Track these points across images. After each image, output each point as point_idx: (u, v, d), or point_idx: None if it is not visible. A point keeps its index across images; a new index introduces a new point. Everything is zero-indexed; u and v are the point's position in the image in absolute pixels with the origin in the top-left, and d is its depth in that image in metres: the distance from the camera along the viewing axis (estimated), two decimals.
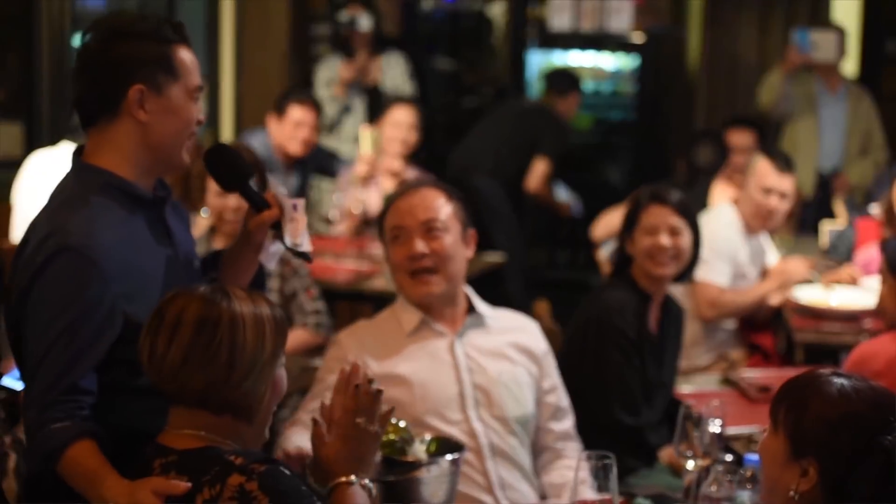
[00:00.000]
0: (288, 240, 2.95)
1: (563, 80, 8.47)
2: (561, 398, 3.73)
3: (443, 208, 3.58)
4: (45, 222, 2.85)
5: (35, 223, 2.91)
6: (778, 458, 2.55)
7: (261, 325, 2.62)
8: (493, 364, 3.58)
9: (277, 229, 2.98)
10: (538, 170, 8.02)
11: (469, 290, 3.69)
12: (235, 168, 3.03)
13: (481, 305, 3.69)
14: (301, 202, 3.02)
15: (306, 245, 2.97)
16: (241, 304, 2.62)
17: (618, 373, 4.17)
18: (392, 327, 3.60)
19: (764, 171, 5.66)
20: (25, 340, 2.85)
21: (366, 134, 6.81)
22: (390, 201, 3.66)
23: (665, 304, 4.39)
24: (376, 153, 6.77)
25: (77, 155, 2.97)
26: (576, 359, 4.20)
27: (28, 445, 2.84)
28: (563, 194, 8.39)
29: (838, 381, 2.53)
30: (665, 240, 4.25)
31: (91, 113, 2.90)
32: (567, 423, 3.75)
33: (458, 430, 3.46)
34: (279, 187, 3.07)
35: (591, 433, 3.83)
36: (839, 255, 6.13)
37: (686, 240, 4.31)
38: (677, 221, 4.30)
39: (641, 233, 4.29)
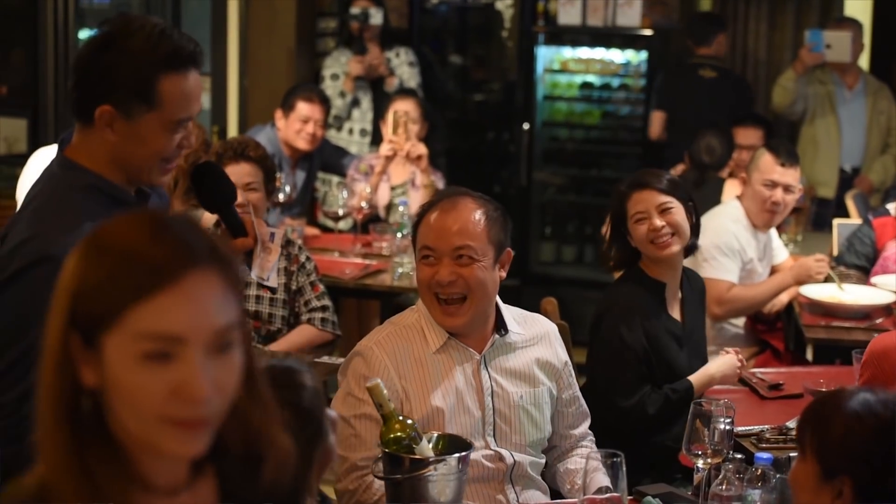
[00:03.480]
0: (255, 272, 3.02)
1: (702, 26, 8.42)
2: (579, 406, 3.74)
3: (479, 233, 3.42)
4: (26, 223, 2.79)
5: (16, 220, 2.85)
6: (809, 483, 2.50)
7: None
8: (515, 388, 3.54)
9: (248, 256, 3.01)
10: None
11: (499, 302, 3.59)
12: (220, 191, 3.02)
13: (510, 319, 3.60)
14: (280, 233, 3.11)
15: (273, 280, 3.07)
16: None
17: (609, 378, 4.19)
18: (418, 342, 3.48)
19: (767, 164, 5.62)
20: None
21: (393, 115, 6.81)
22: (425, 211, 3.51)
23: (683, 286, 4.40)
24: (401, 136, 6.77)
25: (64, 144, 2.93)
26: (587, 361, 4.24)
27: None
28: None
29: (862, 395, 2.48)
30: (658, 220, 4.24)
31: (71, 109, 2.86)
32: (585, 426, 3.77)
33: (480, 455, 3.43)
34: (258, 221, 3.08)
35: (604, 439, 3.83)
36: (855, 254, 6.07)
37: (679, 214, 4.30)
38: (664, 199, 4.29)
39: (633, 223, 4.28)
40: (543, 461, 3.63)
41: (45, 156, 5.88)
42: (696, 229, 4.37)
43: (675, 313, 4.34)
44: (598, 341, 4.26)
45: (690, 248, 4.40)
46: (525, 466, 3.54)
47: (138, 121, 2.76)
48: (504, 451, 3.49)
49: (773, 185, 5.60)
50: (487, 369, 3.51)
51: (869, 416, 2.45)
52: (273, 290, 3.07)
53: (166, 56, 2.74)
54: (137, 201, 2.94)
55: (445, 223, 3.43)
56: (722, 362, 4.26)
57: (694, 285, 4.47)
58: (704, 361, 4.40)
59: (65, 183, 2.85)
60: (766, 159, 5.64)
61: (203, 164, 3.07)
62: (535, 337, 3.63)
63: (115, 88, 2.74)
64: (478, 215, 3.44)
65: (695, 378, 4.19)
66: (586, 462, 3.32)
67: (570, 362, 3.72)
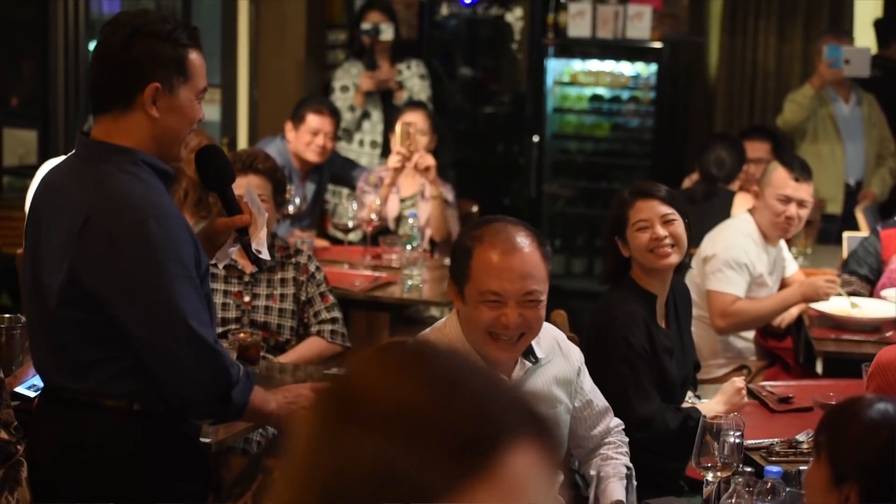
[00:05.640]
0: (254, 245, 3.26)
1: (883, 29, 8.50)
2: (594, 407, 3.70)
3: (543, 274, 3.38)
4: (109, 197, 3.03)
5: (86, 200, 3.06)
6: (820, 485, 2.51)
7: None
8: None
9: (241, 234, 3.27)
10: None
11: None
12: (221, 171, 3.30)
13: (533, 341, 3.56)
14: (265, 216, 3.36)
15: (265, 254, 3.30)
16: None
17: (623, 385, 4.09)
18: None
19: (781, 179, 5.59)
20: (129, 301, 3.02)
21: (401, 126, 6.81)
22: (471, 245, 3.38)
23: (668, 297, 4.37)
24: (409, 148, 6.77)
25: (85, 137, 3.16)
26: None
27: (219, 397, 3.10)
28: None
29: (882, 405, 2.48)
30: (660, 230, 4.21)
31: (106, 101, 3.11)
32: (606, 422, 3.73)
33: None
34: (254, 196, 3.35)
35: None
36: (857, 262, 6.05)
37: (680, 226, 4.26)
38: (667, 209, 4.25)
39: (634, 231, 4.23)
40: (561, 478, 3.63)
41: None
42: (687, 247, 4.35)
43: (663, 324, 4.31)
44: (603, 352, 4.13)
45: (683, 267, 4.38)
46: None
47: (177, 93, 3.08)
48: None
49: (787, 199, 5.57)
50: None
51: (884, 427, 2.45)
52: (261, 265, 3.32)
53: (185, 35, 3.11)
54: (173, 174, 3.23)
55: (513, 266, 3.34)
56: (726, 396, 4.20)
57: (678, 296, 4.42)
58: (691, 369, 4.40)
59: (115, 162, 3.08)
60: (780, 174, 5.61)
61: (207, 147, 3.33)
62: (550, 351, 3.58)
63: (159, 66, 3.05)
64: (539, 254, 3.39)
65: (704, 409, 4.12)
66: (606, 466, 3.30)
67: (583, 366, 3.68)
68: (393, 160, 6.83)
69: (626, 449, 3.70)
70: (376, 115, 8.05)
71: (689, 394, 4.42)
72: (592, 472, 3.61)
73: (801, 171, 5.61)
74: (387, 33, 7.98)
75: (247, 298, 4.94)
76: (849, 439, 2.47)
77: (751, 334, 5.82)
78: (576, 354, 3.68)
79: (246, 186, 3.48)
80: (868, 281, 5.94)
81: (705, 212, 6.15)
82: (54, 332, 3.13)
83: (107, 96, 3.11)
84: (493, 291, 3.33)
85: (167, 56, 3.06)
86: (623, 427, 3.77)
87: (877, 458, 2.43)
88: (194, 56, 3.12)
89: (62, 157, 5.85)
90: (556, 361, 3.60)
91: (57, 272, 3.07)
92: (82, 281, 3.02)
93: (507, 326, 3.34)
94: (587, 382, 3.69)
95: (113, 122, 3.10)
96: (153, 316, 3.02)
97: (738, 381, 4.24)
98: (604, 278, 4.46)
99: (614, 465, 3.41)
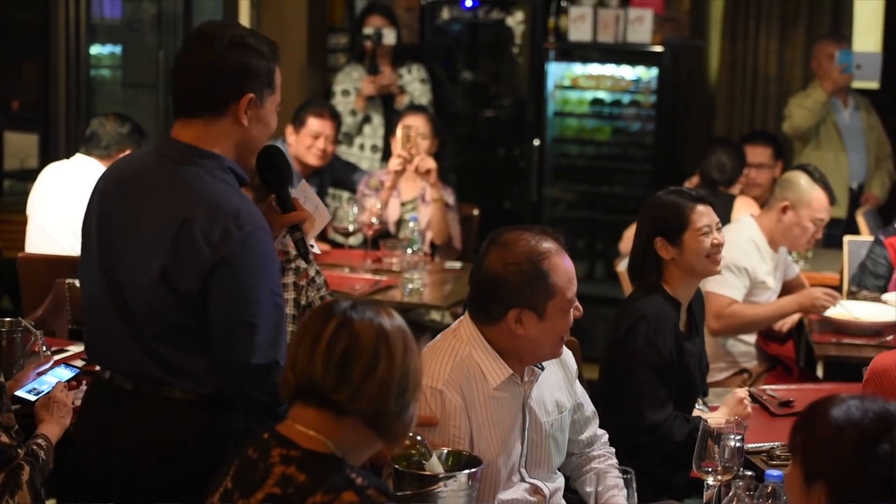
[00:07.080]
0: (309, 240, 3.40)
1: None
2: (584, 410, 3.71)
3: None
4: (207, 202, 3.09)
5: (181, 201, 3.10)
6: (796, 486, 2.51)
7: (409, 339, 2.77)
8: (546, 417, 3.50)
9: (293, 230, 3.37)
10: None
11: None
12: (281, 170, 3.38)
13: None
14: (326, 214, 3.49)
15: (316, 248, 3.45)
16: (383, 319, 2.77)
17: (640, 389, 4.08)
18: (478, 378, 3.37)
19: (821, 203, 5.57)
20: (215, 303, 3.06)
21: (402, 129, 6.81)
22: (543, 258, 3.37)
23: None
24: (410, 152, 6.76)
25: (170, 138, 3.21)
26: (609, 370, 4.18)
27: (266, 410, 3.11)
28: None
29: (849, 403, 2.47)
30: (719, 236, 4.26)
31: (198, 106, 3.19)
32: (593, 428, 3.74)
33: (522, 490, 3.42)
34: (311, 194, 3.45)
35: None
36: (873, 276, 6.03)
37: (723, 233, 4.33)
38: (716, 216, 4.32)
39: (699, 235, 4.23)
40: (563, 482, 3.62)
41: (57, 171, 5.87)
42: None
43: (684, 329, 4.31)
44: (628, 352, 4.11)
45: None
46: (559, 493, 3.53)
47: (265, 104, 3.21)
48: (538, 483, 3.48)
49: (822, 222, 5.59)
50: (529, 403, 3.47)
51: (850, 427, 2.44)
52: (309, 260, 3.45)
53: (270, 49, 3.24)
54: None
55: (571, 267, 3.43)
56: (729, 408, 4.20)
57: (695, 301, 4.42)
58: (705, 376, 4.39)
59: (206, 167, 3.16)
60: (820, 198, 5.58)
61: (268, 147, 3.39)
62: None
63: (254, 77, 3.18)
64: None
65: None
66: (605, 478, 3.30)
67: (576, 367, 3.70)
68: (394, 163, 6.84)
69: (614, 461, 3.69)
70: (377, 119, 8.05)
71: (698, 400, 4.42)
72: (589, 489, 3.60)
73: (832, 192, 5.63)
74: (389, 37, 7.98)
75: None
76: (817, 438, 2.47)
77: (752, 338, 5.82)
78: (571, 355, 3.69)
79: (301, 185, 3.52)
80: (885, 292, 5.93)
81: None
82: (135, 326, 3.14)
83: (200, 101, 3.18)
84: (571, 298, 3.39)
85: (262, 69, 3.19)
86: (607, 437, 3.77)
87: (844, 458, 2.43)
88: (279, 71, 3.26)
89: (65, 161, 5.90)
90: (556, 365, 3.59)
91: (143, 269, 3.10)
92: (174, 281, 3.06)
93: (573, 320, 3.42)
94: (579, 385, 3.70)
95: (204, 128, 3.18)
96: (231, 323, 3.07)
97: (740, 392, 4.23)
98: (637, 278, 4.35)
99: (612, 477, 3.41)
